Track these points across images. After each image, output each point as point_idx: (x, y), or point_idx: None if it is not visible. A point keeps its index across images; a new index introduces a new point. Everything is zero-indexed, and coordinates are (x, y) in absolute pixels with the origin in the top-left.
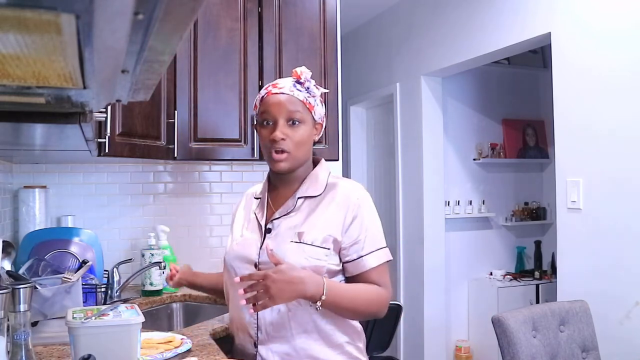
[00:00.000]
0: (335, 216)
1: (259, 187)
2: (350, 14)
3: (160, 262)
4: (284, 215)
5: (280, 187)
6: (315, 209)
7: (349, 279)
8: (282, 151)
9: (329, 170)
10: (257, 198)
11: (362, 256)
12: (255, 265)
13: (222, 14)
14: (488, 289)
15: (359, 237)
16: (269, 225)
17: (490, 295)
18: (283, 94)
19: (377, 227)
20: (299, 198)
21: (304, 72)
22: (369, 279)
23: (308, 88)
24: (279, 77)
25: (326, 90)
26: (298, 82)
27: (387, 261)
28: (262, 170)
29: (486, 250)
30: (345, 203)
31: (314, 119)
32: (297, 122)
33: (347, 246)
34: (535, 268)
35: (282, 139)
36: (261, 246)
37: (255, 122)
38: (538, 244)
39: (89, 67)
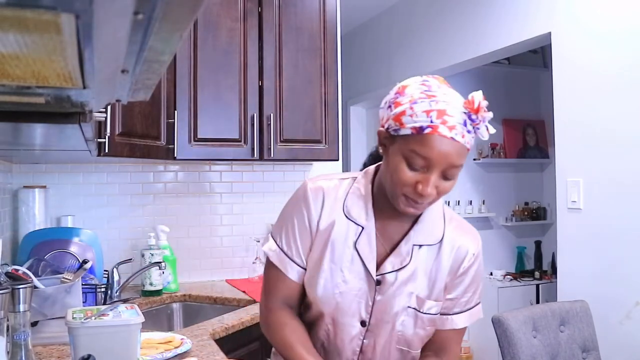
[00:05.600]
0: (446, 267)
1: (355, 205)
2: (350, 14)
3: (160, 262)
4: (397, 270)
5: (388, 217)
6: (431, 261)
7: None
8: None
9: (442, 205)
10: (355, 222)
11: (452, 314)
12: (363, 323)
13: (222, 14)
14: (488, 289)
15: (462, 296)
16: (378, 277)
17: (491, 295)
18: (454, 140)
19: (480, 283)
20: (414, 246)
21: (482, 106)
22: (443, 338)
23: (478, 128)
24: (279, 77)
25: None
26: (470, 117)
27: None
28: (261, 171)
29: (486, 250)
30: (460, 255)
31: None
32: (452, 177)
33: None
34: (535, 268)
35: (430, 194)
36: (373, 303)
37: (388, 135)
38: (538, 244)
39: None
